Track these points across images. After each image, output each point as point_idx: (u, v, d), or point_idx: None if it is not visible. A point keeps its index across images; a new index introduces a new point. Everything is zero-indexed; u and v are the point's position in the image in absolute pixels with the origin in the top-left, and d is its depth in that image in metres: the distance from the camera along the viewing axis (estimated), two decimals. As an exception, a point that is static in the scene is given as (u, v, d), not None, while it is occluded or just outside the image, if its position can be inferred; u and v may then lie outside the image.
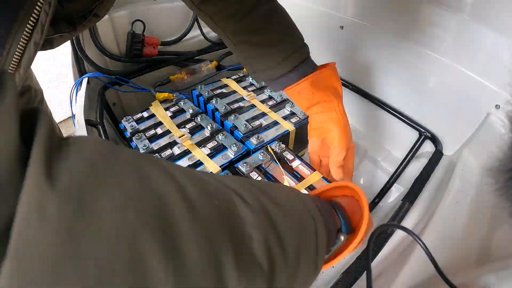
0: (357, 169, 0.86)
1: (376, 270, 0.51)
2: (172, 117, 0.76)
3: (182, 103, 0.80)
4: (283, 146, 0.67)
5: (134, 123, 0.74)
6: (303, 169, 0.63)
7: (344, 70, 0.89)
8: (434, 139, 0.72)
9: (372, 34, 0.78)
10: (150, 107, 0.79)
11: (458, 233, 0.50)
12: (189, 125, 0.74)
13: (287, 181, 0.60)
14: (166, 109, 0.79)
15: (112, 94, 0.89)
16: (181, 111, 0.79)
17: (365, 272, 0.37)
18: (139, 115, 0.77)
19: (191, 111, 0.77)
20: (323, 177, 0.61)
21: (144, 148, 0.66)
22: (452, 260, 0.45)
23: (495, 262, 0.47)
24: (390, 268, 0.51)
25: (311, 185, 0.59)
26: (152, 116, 0.77)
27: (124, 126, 0.74)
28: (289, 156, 0.65)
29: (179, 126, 0.73)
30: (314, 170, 0.62)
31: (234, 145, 0.66)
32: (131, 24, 0.83)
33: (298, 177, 0.61)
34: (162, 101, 0.81)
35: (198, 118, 0.75)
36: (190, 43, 0.97)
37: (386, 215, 0.70)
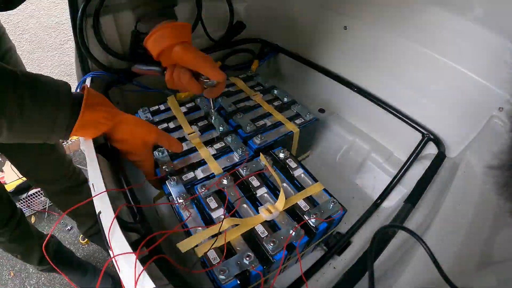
0: (360, 170, 0.86)
1: (378, 271, 0.51)
2: (186, 113, 0.77)
3: (198, 100, 0.81)
4: (288, 152, 0.66)
5: (149, 115, 0.76)
6: (305, 179, 0.61)
7: (347, 70, 0.89)
8: (437, 141, 0.72)
9: (376, 35, 0.78)
10: (167, 101, 0.80)
11: (460, 235, 0.50)
12: (200, 123, 0.74)
13: (286, 189, 0.59)
14: (182, 104, 0.80)
15: (115, 93, 0.89)
16: (197, 108, 0.79)
17: (367, 273, 0.37)
18: (156, 107, 0.79)
19: (205, 109, 0.78)
20: (324, 189, 0.59)
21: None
22: (454, 262, 0.45)
23: (497, 264, 0.47)
24: (392, 270, 0.51)
25: (310, 196, 0.57)
26: (168, 109, 0.78)
27: (139, 116, 0.75)
28: (292, 164, 0.63)
29: (191, 123, 0.74)
30: (316, 181, 0.60)
31: (240, 149, 0.66)
32: (135, 23, 0.83)
33: (298, 186, 0.59)
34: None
35: (211, 117, 0.75)
36: (194, 42, 0.97)
37: (388, 217, 0.70)
